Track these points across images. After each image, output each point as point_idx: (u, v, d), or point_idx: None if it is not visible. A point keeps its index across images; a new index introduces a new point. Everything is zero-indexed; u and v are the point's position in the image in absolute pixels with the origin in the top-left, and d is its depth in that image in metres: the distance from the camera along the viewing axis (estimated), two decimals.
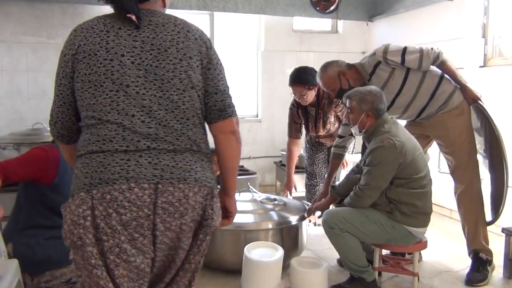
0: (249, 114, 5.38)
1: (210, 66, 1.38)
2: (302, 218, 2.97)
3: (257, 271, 2.42)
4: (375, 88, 2.54)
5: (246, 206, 3.00)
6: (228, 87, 1.43)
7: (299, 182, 4.40)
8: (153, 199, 1.23)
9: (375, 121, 2.50)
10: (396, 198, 2.42)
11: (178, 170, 1.26)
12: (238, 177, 4.30)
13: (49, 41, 4.47)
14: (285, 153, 4.69)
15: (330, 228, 2.48)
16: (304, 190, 3.98)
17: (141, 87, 1.27)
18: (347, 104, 2.57)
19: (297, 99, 3.45)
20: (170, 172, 1.25)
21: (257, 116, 5.36)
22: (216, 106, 1.39)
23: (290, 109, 3.62)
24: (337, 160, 3.09)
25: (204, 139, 1.39)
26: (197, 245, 1.36)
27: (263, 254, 2.50)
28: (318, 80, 2.94)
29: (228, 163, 1.47)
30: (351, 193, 2.51)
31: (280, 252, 2.51)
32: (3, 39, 4.37)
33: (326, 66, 2.89)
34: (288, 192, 3.61)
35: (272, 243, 2.60)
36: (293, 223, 2.91)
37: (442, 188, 3.77)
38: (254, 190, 3.31)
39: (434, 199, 4.27)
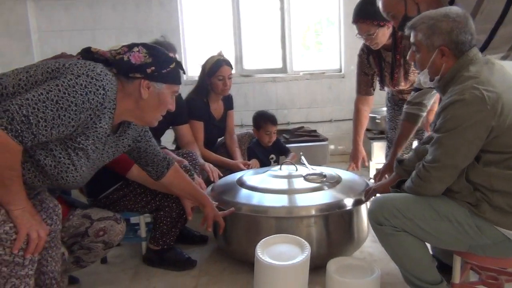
0: (331, 69, 4.53)
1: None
2: (359, 202, 2.19)
3: (270, 278, 1.75)
4: (455, 10, 1.60)
5: (283, 183, 2.31)
6: (28, 104, 1.25)
7: (381, 150, 3.55)
8: None
9: (454, 62, 1.59)
10: (486, 184, 1.52)
11: None
12: (306, 144, 3.63)
13: None
14: (373, 115, 3.85)
15: (378, 225, 1.68)
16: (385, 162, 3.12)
17: None
18: (411, 39, 1.69)
19: (365, 42, 2.59)
20: None
21: (340, 71, 4.49)
22: None
23: (359, 56, 2.76)
24: (409, 122, 2.22)
25: None
26: None
27: (282, 253, 1.80)
28: (377, 2, 2.07)
29: None
30: (413, 173, 1.67)
31: (305, 252, 1.79)
32: None
33: None
34: (354, 165, 2.79)
35: (296, 238, 1.88)
36: (346, 208, 2.15)
37: None
38: (304, 161, 2.59)
39: None
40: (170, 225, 2.25)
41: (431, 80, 1.67)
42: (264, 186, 2.30)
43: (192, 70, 4.33)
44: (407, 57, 1.75)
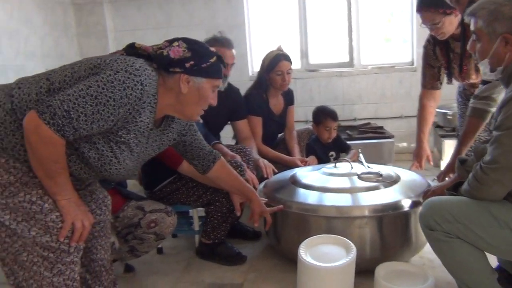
0: (401, 62, 4.29)
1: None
2: (417, 204, 2.05)
3: (311, 279, 1.69)
4: None
5: (337, 182, 2.23)
6: (69, 99, 1.31)
7: (453, 149, 3.29)
8: None
9: None
10: None
11: None
12: (369, 141, 3.48)
13: None
14: (444, 111, 3.60)
15: (429, 230, 1.56)
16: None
17: None
18: (471, 26, 1.53)
19: (430, 32, 2.41)
20: None
21: (412, 64, 4.24)
22: None
23: (424, 47, 2.57)
24: (476, 118, 2.04)
25: None
26: None
27: (326, 254, 1.73)
28: None
29: None
30: (470, 175, 1.52)
31: (350, 254, 1.71)
32: None
33: None
34: (418, 164, 2.62)
35: (342, 239, 1.80)
36: (402, 210, 2.02)
37: None
38: (362, 159, 2.47)
39: None
40: (221, 220, 2.27)
41: (492, 70, 1.50)
42: (317, 184, 2.23)
43: (258, 65, 4.32)
44: (467, 47, 1.60)
